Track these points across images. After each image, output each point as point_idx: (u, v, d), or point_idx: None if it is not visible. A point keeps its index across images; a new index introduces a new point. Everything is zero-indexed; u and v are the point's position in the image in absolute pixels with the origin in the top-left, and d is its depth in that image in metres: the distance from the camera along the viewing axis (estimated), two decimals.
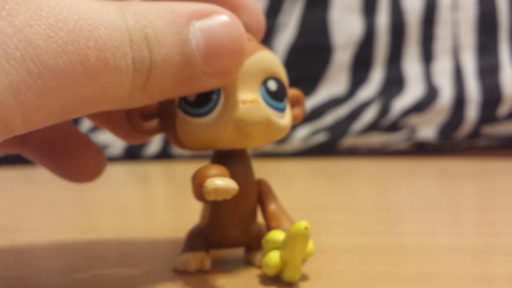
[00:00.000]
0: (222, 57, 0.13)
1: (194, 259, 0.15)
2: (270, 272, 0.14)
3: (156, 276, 0.15)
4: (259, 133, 0.14)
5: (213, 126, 0.14)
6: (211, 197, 0.13)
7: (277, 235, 0.14)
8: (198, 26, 0.12)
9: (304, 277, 0.15)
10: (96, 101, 0.11)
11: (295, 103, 0.16)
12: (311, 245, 0.15)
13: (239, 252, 0.17)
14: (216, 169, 0.13)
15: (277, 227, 0.15)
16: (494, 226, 0.22)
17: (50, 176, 0.18)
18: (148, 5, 0.12)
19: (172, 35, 0.12)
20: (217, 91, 0.14)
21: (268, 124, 0.14)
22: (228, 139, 0.14)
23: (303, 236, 0.13)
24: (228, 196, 0.13)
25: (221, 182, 0.13)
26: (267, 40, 0.53)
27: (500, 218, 0.24)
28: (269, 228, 0.15)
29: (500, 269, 0.16)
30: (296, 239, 0.13)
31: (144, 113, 0.15)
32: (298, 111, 0.16)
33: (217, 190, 0.12)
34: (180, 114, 0.14)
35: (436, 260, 0.16)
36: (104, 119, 0.18)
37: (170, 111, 0.14)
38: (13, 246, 0.20)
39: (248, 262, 0.16)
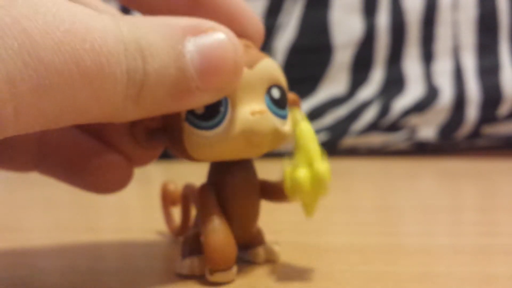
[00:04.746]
0: (217, 74, 0.12)
1: (201, 263, 0.15)
2: (303, 188, 0.13)
3: (157, 276, 0.15)
4: (267, 142, 0.14)
5: (223, 139, 0.14)
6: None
7: (297, 170, 0.14)
8: (194, 42, 0.12)
9: (304, 277, 0.15)
10: (89, 108, 0.11)
11: (291, 107, 0.16)
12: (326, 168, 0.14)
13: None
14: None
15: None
16: (494, 226, 0.22)
17: None
18: (143, 18, 0.12)
19: (167, 49, 0.12)
20: (225, 103, 0.14)
21: (276, 133, 0.14)
22: (237, 150, 0.14)
23: (307, 127, 0.13)
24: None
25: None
26: (267, 40, 0.53)
27: (500, 218, 0.24)
28: (281, 191, 0.14)
29: (500, 269, 0.16)
30: (304, 134, 0.13)
31: (149, 128, 0.15)
32: None
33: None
34: (188, 128, 0.14)
35: (436, 260, 0.16)
36: (107, 140, 0.17)
37: (177, 125, 0.14)
38: (13, 246, 0.20)
39: (244, 260, 0.16)
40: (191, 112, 0.14)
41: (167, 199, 0.20)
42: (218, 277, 0.14)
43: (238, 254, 0.17)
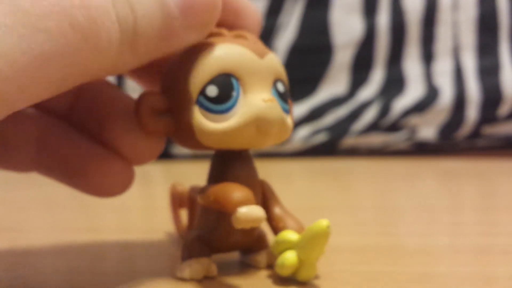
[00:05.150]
0: (198, 10, 0.13)
1: (201, 266, 0.15)
2: (286, 272, 0.14)
3: (157, 277, 0.15)
4: (275, 132, 0.14)
5: (234, 124, 0.14)
6: (239, 227, 0.13)
7: (289, 235, 0.14)
8: None
9: None
10: (89, 65, 0.11)
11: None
12: None
13: (235, 255, 0.17)
14: (241, 191, 0.13)
15: (285, 228, 0.15)
16: (494, 226, 0.22)
17: None
18: None
19: None
20: (237, 88, 0.14)
21: (283, 123, 0.14)
22: (245, 137, 0.14)
23: (324, 235, 0.13)
24: (257, 225, 0.13)
25: (253, 213, 0.13)
26: (267, 40, 0.53)
27: (500, 218, 0.24)
28: (276, 229, 0.15)
29: (500, 269, 0.16)
30: (316, 238, 0.13)
31: (154, 108, 0.14)
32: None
33: (248, 221, 0.13)
34: (199, 111, 0.14)
35: (436, 260, 0.16)
36: (105, 142, 0.17)
37: (186, 108, 0.14)
38: (13, 246, 0.20)
39: (246, 264, 0.16)
40: (203, 95, 0.14)
41: (175, 201, 0.20)
42: (245, 215, 0.13)
43: (240, 258, 0.17)
